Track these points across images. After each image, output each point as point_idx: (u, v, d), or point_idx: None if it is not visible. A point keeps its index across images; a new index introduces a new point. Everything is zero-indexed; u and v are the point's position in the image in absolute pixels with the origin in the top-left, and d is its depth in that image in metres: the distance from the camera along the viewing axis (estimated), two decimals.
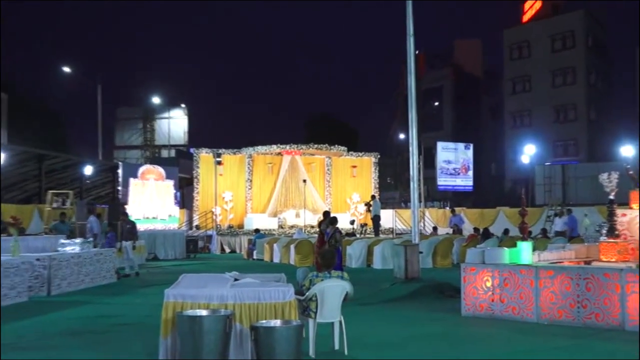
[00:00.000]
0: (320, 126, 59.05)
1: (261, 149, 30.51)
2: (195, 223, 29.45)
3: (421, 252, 13.69)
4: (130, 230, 16.49)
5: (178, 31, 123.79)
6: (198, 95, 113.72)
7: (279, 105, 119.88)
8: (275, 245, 21.52)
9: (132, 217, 19.10)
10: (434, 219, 31.54)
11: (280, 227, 28.47)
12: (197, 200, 29.88)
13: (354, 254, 19.09)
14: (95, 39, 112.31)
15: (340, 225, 15.55)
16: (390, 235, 26.82)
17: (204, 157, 30.15)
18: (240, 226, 28.88)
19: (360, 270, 17.52)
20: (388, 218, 29.25)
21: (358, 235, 24.25)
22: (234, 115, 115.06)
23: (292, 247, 20.00)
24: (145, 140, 55.92)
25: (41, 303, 11.15)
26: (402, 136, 49.02)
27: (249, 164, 30.60)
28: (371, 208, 25.24)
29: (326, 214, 14.23)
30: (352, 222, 26.89)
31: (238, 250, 26.71)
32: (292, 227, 28.19)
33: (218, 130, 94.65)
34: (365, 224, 27.35)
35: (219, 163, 29.25)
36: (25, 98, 42.49)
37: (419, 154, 23.70)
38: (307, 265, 17.47)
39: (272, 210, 30.03)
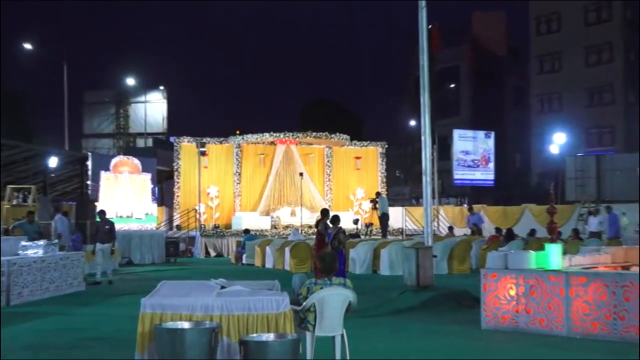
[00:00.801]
0: (319, 112, 59.07)
1: (251, 137, 30.52)
2: (175, 223, 29.46)
3: (435, 256, 13.70)
4: (108, 232, 16.47)
5: (164, 15, 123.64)
6: (179, 76, 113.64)
7: (272, 88, 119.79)
8: (267, 248, 21.54)
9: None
10: (449, 218, 31.57)
11: (274, 227, 28.48)
12: (178, 196, 29.88)
13: (358, 258, 19.11)
14: (62, 13, 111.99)
15: (341, 225, 15.52)
16: (400, 237, 26.83)
17: (186, 146, 30.13)
18: (228, 226, 28.89)
19: (365, 277, 17.55)
20: (397, 217, 29.26)
21: (363, 237, 24.25)
22: (221, 99, 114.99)
23: (287, 250, 20.02)
24: (118, 127, 55.84)
25: None
26: (412, 123, 48.99)
27: (237, 155, 30.60)
28: (377, 205, 25.26)
29: (324, 212, 14.20)
30: (356, 222, 26.90)
31: (225, 254, 26.73)
32: (287, 227, 28.21)
33: (202, 116, 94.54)
34: (371, 224, 27.35)
35: (203, 154, 29.24)
36: None
37: (433, 143, 23.72)
38: (304, 271, 17.50)
39: (264, 208, 30.05)
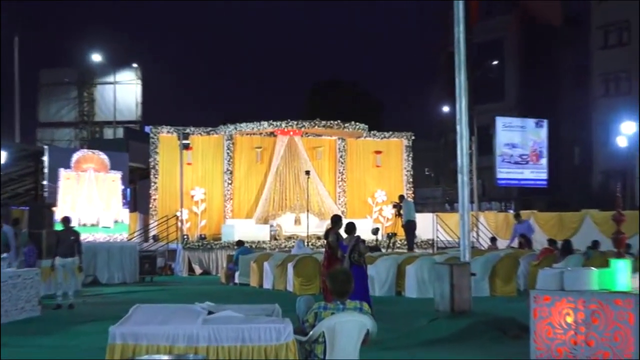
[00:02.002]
0: (330, 96, 59.10)
1: (246, 127, 30.53)
2: (152, 233, 29.51)
3: (474, 274, 13.69)
4: (74, 244, 16.50)
5: None
6: (158, 51, 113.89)
7: (273, 68, 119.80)
8: (266, 264, 21.56)
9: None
10: (491, 226, 31.52)
11: (274, 238, 28.51)
12: (155, 200, 29.94)
13: (377, 276, 19.09)
14: None
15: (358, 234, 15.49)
16: (430, 250, 26.78)
17: (165, 138, 30.19)
18: (217, 237, 28.93)
19: (387, 300, 17.54)
20: (426, 225, 29.22)
21: (384, 250, 24.22)
22: (209, 80, 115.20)
23: (289, 266, 20.04)
24: (81, 114, 55.97)
25: None
26: (446, 109, 48.90)
27: (228, 149, 30.64)
28: (402, 211, 25.21)
29: (336, 219, 14.18)
30: (376, 232, 26.83)
31: (213, 272, 26.81)
32: (289, 238, 28.24)
33: (185, 100, 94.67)
34: (394, 234, 27.32)
35: (187, 147, 29.27)
36: None
37: (471, 134, 23.64)
38: (311, 292, 17.52)
39: (261, 215, 30.07)
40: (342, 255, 13.27)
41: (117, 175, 28.23)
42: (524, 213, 29.85)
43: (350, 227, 13.71)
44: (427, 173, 56.82)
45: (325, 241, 14.89)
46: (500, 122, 38.91)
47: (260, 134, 30.98)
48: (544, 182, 39.60)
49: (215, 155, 30.76)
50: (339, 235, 13.57)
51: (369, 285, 18.31)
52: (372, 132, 32.34)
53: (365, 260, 14.18)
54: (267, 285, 21.23)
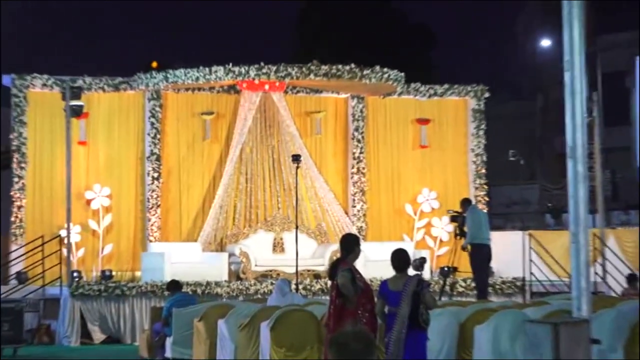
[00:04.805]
0: (340, 21, 58.91)
1: (185, 76, 30.34)
2: (16, 267, 29.47)
3: (597, 342, 13.58)
4: None
5: None
6: None
7: None
8: (221, 323, 21.52)
9: None
10: (629, 255, 31.53)
11: (237, 276, 28.51)
12: (21, 207, 29.95)
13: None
14: None
15: (385, 272, 15.40)
16: (518, 298, 26.72)
17: (40, 96, 30.33)
18: (132, 277, 28.91)
19: None
20: (512, 253, 29.21)
21: (438, 299, 24.18)
22: None
23: (263, 327, 19.98)
24: None
25: None
26: (545, 44, 48.90)
27: (153, 116, 30.63)
28: (465, 227, 25.12)
29: (349, 243, 14.05)
30: (421, 265, 26.83)
31: (127, 338, 27.00)
32: (264, 276, 28.28)
33: (77, 30, 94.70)
34: (454, 270, 27.27)
35: (79, 113, 29.11)
36: None
37: (591, 88, 23.39)
38: None
39: (211, 234, 30.06)
40: (381, 309, 13.25)
41: None
42: None
43: (404, 260, 13.65)
44: (512, 158, 56.69)
45: (330, 282, 14.81)
46: None
47: (212, 88, 30.99)
48: None
49: (130, 127, 30.78)
50: (354, 273, 13.45)
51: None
52: (413, 84, 32.30)
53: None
54: None
